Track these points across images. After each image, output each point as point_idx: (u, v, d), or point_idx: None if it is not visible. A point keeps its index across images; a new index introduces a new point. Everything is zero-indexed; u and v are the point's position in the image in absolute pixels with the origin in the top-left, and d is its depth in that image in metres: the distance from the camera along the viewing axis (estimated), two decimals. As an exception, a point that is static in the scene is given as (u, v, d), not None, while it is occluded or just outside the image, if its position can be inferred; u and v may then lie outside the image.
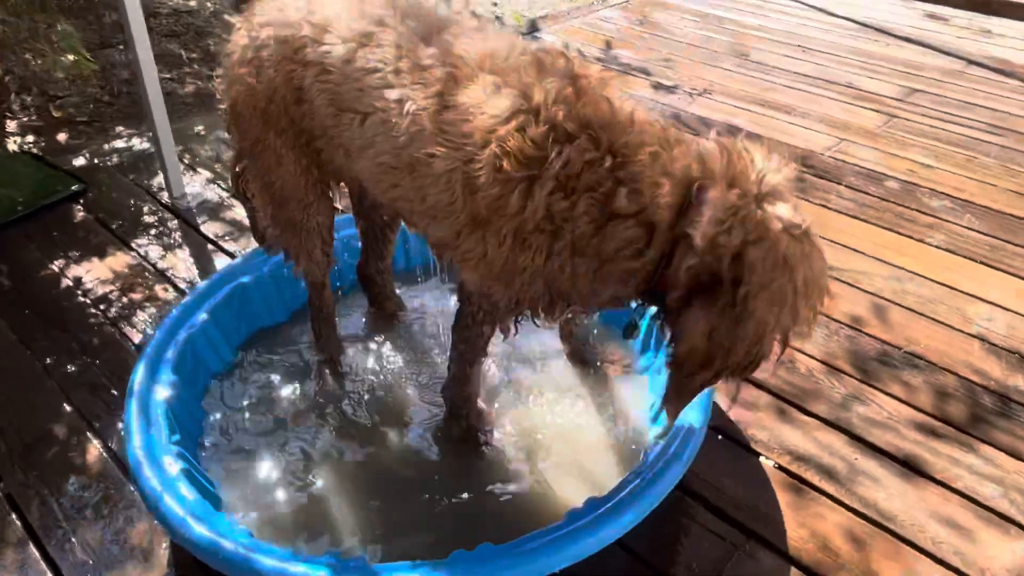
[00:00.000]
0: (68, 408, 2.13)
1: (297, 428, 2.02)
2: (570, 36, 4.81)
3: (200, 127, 3.68)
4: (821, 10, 5.32)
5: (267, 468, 1.92)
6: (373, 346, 2.25)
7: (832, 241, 2.81)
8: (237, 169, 1.98)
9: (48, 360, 2.29)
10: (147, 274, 2.66)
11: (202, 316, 2.06)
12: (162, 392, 1.83)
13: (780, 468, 1.94)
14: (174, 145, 3.06)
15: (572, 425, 2.02)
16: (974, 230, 2.89)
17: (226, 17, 5.22)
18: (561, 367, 2.18)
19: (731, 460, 1.96)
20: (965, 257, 2.75)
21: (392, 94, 1.53)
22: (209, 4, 5.39)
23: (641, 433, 1.98)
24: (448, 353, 1.87)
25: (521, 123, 1.39)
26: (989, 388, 2.17)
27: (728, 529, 1.79)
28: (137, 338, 2.37)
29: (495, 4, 5.78)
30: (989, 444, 2.00)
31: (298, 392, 2.12)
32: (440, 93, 1.47)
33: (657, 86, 4.12)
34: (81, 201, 3.06)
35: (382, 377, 2.16)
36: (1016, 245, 2.80)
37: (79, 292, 2.58)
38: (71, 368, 2.26)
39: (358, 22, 1.61)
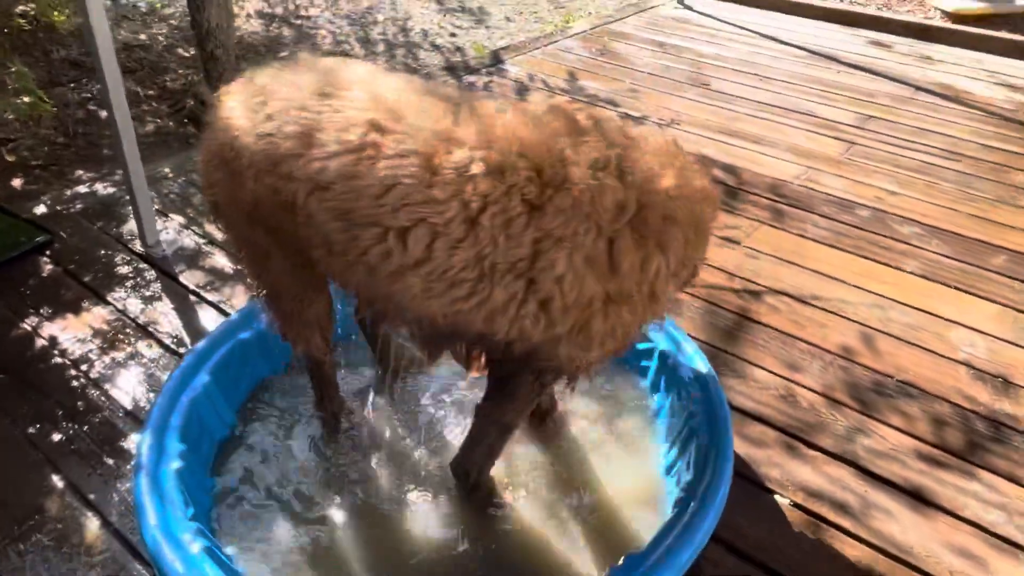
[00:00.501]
0: (59, 481, 2.02)
1: (306, 492, 1.96)
2: (534, 67, 4.85)
3: (167, 168, 3.56)
4: (771, 38, 5.50)
5: (281, 536, 1.85)
6: (379, 404, 2.19)
7: (814, 271, 2.89)
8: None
9: (31, 429, 2.16)
10: (128, 330, 2.55)
11: (204, 378, 1.98)
12: (171, 463, 1.74)
13: (796, 506, 1.97)
14: (147, 189, 2.95)
15: (588, 476, 2.01)
16: (944, 255, 3.01)
17: (180, 51, 5.10)
18: (567, 414, 2.17)
19: (747, 499, 1.98)
20: (939, 283, 2.85)
21: (445, 209, 1.36)
22: (161, 38, 5.25)
23: (657, 479, 1.98)
24: (475, 422, 1.81)
25: (653, 198, 1.43)
26: (980, 414, 2.26)
27: (753, 572, 1.81)
28: (125, 400, 2.27)
29: (453, 36, 5.79)
30: (988, 471, 2.07)
31: (304, 454, 2.05)
32: (525, 199, 1.37)
33: (626, 117, 4.18)
34: (48, 252, 2.93)
35: (390, 437, 2.11)
36: (985, 269, 2.93)
37: (56, 352, 2.45)
38: (57, 437, 2.14)
39: (347, 132, 1.41)
